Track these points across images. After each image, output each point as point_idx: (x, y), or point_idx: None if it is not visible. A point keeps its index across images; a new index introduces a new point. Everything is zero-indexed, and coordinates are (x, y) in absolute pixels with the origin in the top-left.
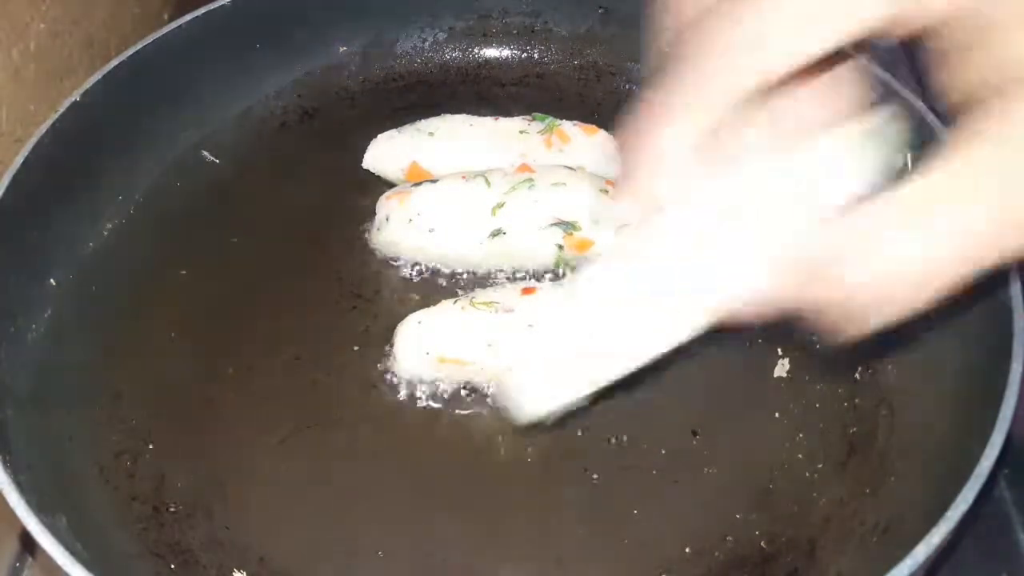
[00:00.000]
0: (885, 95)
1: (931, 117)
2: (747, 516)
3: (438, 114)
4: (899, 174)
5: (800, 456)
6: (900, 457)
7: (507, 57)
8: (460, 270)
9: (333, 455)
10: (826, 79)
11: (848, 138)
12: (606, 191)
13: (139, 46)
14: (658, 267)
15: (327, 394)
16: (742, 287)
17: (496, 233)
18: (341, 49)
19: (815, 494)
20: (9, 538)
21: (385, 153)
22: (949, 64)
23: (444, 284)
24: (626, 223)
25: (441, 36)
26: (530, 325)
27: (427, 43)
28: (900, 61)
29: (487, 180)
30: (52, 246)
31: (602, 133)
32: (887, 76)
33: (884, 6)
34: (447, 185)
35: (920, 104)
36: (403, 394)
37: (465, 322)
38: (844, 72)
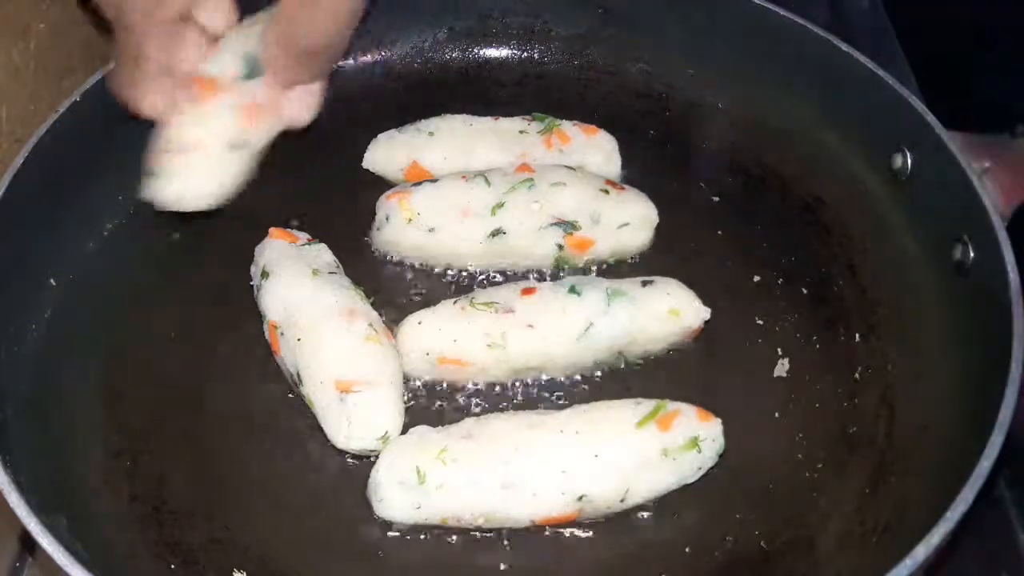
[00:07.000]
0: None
1: (929, 116)
2: (747, 516)
3: (438, 114)
4: (899, 174)
5: (800, 456)
6: (900, 457)
7: (507, 57)
8: (460, 270)
9: (333, 455)
10: None
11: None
12: (606, 191)
13: None
14: None
15: None
16: None
17: (496, 233)
18: None
19: (815, 494)
20: (9, 538)
21: (385, 153)
22: None
23: (444, 284)
24: (625, 223)
25: (441, 36)
26: (530, 325)
27: (427, 43)
28: (899, 59)
29: (487, 180)
30: (52, 246)
31: (602, 133)
32: (885, 74)
33: None
34: (447, 185)
35: (918, 103)
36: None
37: (465, 322)
38: None
